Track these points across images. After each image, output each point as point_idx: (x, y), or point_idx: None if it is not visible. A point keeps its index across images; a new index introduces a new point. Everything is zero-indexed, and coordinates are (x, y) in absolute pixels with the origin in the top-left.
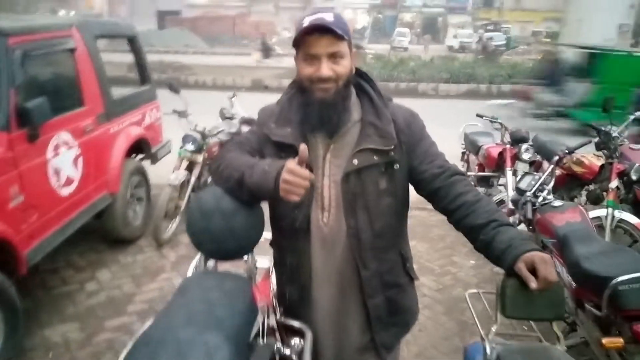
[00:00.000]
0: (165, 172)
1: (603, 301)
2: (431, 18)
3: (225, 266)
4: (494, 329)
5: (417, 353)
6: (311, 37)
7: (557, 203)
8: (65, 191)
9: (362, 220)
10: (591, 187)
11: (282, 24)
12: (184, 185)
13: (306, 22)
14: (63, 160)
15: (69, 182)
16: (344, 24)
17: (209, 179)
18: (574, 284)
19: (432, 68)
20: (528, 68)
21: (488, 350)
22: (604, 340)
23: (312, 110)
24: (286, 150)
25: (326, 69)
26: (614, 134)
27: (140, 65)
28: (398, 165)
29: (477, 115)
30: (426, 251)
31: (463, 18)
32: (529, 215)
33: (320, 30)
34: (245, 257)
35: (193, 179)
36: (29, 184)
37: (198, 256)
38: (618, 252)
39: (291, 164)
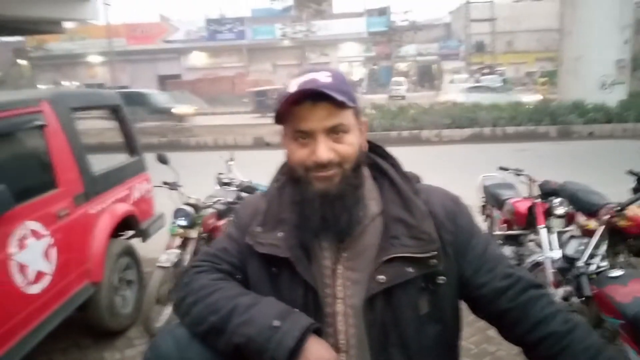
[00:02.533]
0: (161, 247)
1: None
2: (426, 66)
3: None
4: None
5: None
6: (301, 107)
7: (616, 273)
8: (35, 289)
9: None
10: (634, 240)
11: (280, 81)
12: (178, 265)
13: (293, 87)
14: (31, 253)
15: (39, 277)
16: (345, 85)
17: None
18: None
19: (433, 114)
20: (530, 109)
21: None
22: None
23: (311, 208)
24: (279, 264)
25: (324, 150)
26: None
27: (127, 135)
28: (445, 278)
29: (501, 169)
30: None
31: (457, 64)
32: (587, 291)
33: (312, 96)
34: None
35: (188, 258)
36: None
37: None
38: None
39: None
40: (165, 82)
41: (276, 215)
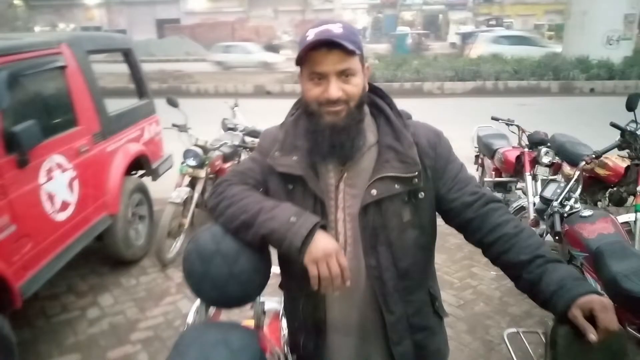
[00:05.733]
0: (169, 187)
1: None
2: (432, 15)
3: (229, 314)
4: None
5: None
6: (317, 52)
7: (587, 212)
8: (61, 216)
9: (384, 259)
10: (614, 189)
11: (282, 27)
12: (187, 202)
13: (311, 36)
14: (57, 184)
15: (64, 206)
16: (354, 36)
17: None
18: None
19: (437, 66)
20: (534, 63)
21: None
22: None
23: (322, 136)
24: (293, 181)
25: (335, 89)
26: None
27: (137, 78)
28: (423, 194)
29: (493, 118)
30: (444, 263)
31: (464, 14)
32: (558, 227)
33: (327, 44)
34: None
35: (196, 195)
36: (20, 213)
37: (197, 303)
38: None
39: (342, 254)
40: (163, 26)
41: (292, 142)
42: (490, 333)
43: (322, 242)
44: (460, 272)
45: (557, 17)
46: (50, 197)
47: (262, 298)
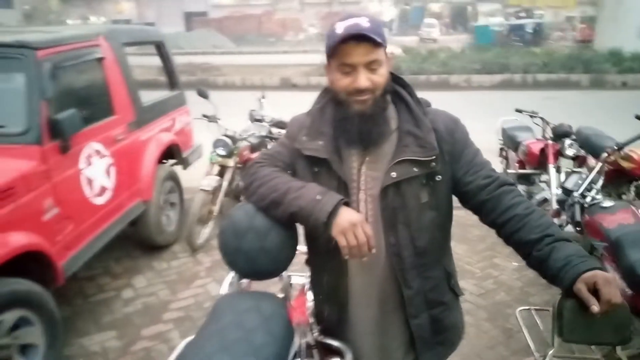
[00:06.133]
0: (197, 177)
1: None
2: (460, 7)
3: (260, 285)
4: (550, 352)
5: None
6: (347, 45)
7: (607, 203)
8: (99, 200)
9: (403, 237)
10: (637, 181)
11: (308, 20)
12: (216, 190)
13: (340, 29)
14: (96, 170)
15: (102, 191)
16: (380, 29)
17: (241, 183)
18: (629, 291)
19: (464, 59)
20: (564, 56)
21: None
22: None
23: (350, 124)
24: (319, 164)
25: (364, 79)
26: None
27: (169, 70)
28: (440, 177)
29: (516, 110)
30: (465, 253)
31: (493, 6)
32: (578, 217)
33: (357, 37)
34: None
35: (225, 184)
36: (63, 196)
37: (231, 274)
38: None
39: (366, 224)
40: (191, 19)
41: (318, 128)
42: (510, 321)
43: (347, 215)
44: (482, 262)
45: (590, 9)
46: (90, 182)
47: (289, 273)
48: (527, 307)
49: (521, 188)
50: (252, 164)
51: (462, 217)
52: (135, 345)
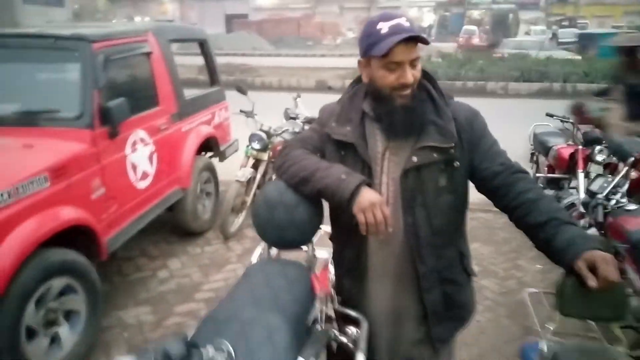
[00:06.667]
0: (233, 170)
1: None
2: (501, 15)
3: (287, 255)
4: (551, 327)
5: (478, 354)
6: (397, 45)
7: (631, 207)
8: (142, 185)
9: (420, 218)
10: None
11: (347, 24)
12: (250, 182)
13: (385, 29)
14: (140, 156)
15: (144, 176)
16: (417, 27)
17: (274, 177)
18: None
19: (502, 66)
20: (607, 66)
21: (544, 348)
22: None
23: (396, 117)
24: (346, 148)
25: (410, 75)
26: None
27: (210, 67)
28: (458, 163)
29: (547, 115)
30: (490, 254)
31: (536, 14)
32: (600, 218)
33: (407, 38)
34: (305, 247)
35: (259, 176)
36: (109, 177)
37: (262, 245)
38: None
39: (385, 204)
40: (232, 21)
41: (346, 115)
42: (528, 319)
43: (368, 195)
44: (506, 263)
45: (638, 19)
46: (134, 167)
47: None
48: (535, 290)
49: (550, 193)
50: (285, 146)
51: (490, 220)
52: (168, 320)
